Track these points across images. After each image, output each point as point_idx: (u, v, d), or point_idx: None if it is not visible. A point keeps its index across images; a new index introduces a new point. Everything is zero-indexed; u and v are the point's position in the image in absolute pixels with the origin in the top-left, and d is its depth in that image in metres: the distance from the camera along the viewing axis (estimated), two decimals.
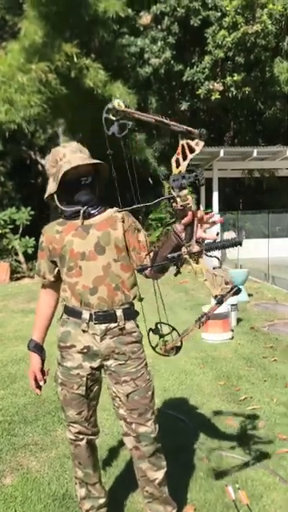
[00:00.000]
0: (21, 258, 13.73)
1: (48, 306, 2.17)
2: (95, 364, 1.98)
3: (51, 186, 1.95)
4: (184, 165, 1.47)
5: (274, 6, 13.31)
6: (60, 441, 3.14)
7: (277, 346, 5.26)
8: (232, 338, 5.54)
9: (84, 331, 1.95)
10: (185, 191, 1.46)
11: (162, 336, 1.67)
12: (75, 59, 11.35)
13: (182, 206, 1.46)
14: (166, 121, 1.44)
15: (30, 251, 13.79)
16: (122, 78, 12.78)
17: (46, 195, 1.99)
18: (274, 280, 10.14)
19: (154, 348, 1.74)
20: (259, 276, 10.55)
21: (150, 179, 14.27)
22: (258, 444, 3.02)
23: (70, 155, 1.94)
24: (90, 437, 2.10)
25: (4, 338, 5.95)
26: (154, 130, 15.51)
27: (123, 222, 1.99)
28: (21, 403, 3.78)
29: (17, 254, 13.78)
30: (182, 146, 1.47)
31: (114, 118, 1.44)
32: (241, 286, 7.88)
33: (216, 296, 1.48)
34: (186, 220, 1.51)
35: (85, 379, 1.99)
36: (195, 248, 1.49)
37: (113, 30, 13.34)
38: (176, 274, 1.62)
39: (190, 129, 1.44)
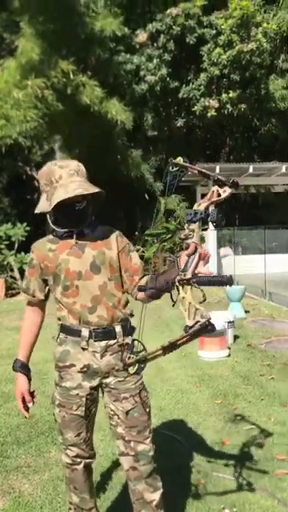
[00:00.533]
0: (16, 274, 13.64)
1: (34, 324, 2.14)
2: (94, 383, 1.95)
3: (44, 205, 1.90)
4: (204, 205, 1.59)
5: (269, 24, 13.52)
6: (53, 463, 3.07)
7: (274, 363, 5.21)
8: (229, 355, 5.49)
9: (84, 349, 1.92)
10: (194, 225, 1.54)
11: (133, 353, 1.61)
12: (71, 76, 11.44)
13: (184, 235, 1.54)
14: (207, 172, 1.68)
15: (25, 267, 13.72)
16: (118, 94, 12.87)
17: (37, 211, 1.95)
18: (270, 296, 10.10)
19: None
20: (256, 292, 10.51)
21: (146, 195, 14.30)
22: (256, 465, 2.96)
23: (66, 179, 1.86)
24: (88, 460, 2.04)
25: None
26: (150, 146, 15.62)
27: (117, 242, 1.99)
28: (14, 423, 3.71)
29: (12, 270, 13.70)
30: (213, 191, 1.61)
31: (172, 170, 1.64)
32: (237, 303, 7.87)
33: (187, 326, 1.44)
34: (188, 251, 1.55)
35: (84, 399, 1.95)
36: (187, 275, 1.51)
37: (109, 47, 13.48)
38: (174, 305, 1.63)
39: (223, 179, 1.60)
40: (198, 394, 4.26)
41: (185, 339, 1.47)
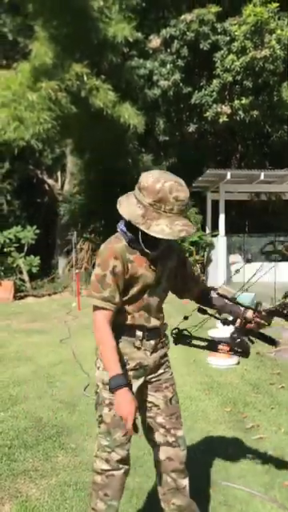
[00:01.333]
0: (25, 276, 13.70)
1: (113, 338, 1.93)
2: (140, 381, 2.03)
3: (134, 215, 1.79)
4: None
5: (283, 31, 13.48)
6: (61, 467, 3.04)
7: (284, 372, 5.15)
8: (238, 363, 5.44)
9: (138, 348, 2.00)
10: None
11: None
12: (85, 79, 11.47)
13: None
14: None
15: (34, 270, 13.77)
16: (130, 99, 12.89)
17: (123, 213, 1.83)
18: None
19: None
20: (266, 300, 10.42)
21: None
22: (265, 475, 2.91)
23: (175, 215, 1.77)
24: (128, 466, 2.03)
25: (5, 358, 5.86)
26: (161, 151, 15.62)
27: (179, 255, 2.10)
28: (21, 427, 3.69)
29: (21, 273, 13.75)
30: None
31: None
32: None
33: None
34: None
35: (134, 395, 1.94)
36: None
37: (122, 52, 13.52)
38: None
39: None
40: (206, 402, 4.22)
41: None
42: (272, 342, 2.17)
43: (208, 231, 15.08)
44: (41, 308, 10.99)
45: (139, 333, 1.99)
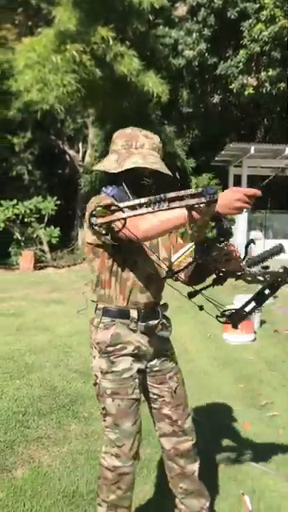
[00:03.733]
0: (45, 247, 13.78)
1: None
2: (142, 366, 1.91)
3: (111, 165, 1.80)
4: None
5: None
6: (73, 436, 3.08)
7: None
8: (254, 339, 5.40)
9: (133, 330, 1.87)
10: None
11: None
12: (111, 43, 11.21)
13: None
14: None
15: (54, 241, 13.82)
16: (154, 67, 12.61)
17: (97, 168, 1.85)
18: None
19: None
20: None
21: (177, 173, 14.10)
22: (277, 452, 2.90)
23: (147, 150, 1.80)
24: (139, 460, 1.93)
25: (23, 327, 5.93)
26: (184, 123, 15.36)
27: None
28: (36, 395, 3.73)
29: (41, 244, 13.83)
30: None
31: None
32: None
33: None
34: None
35: (137, 381, 1.89)
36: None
37: (148, 20, 13.17)
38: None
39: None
40: (221, 377, 4.21)
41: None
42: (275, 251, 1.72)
43: None
44: (60, 279, 11.07)
45: (134, 313, 1.86)
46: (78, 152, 16.88)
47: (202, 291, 1.82)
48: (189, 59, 14.12)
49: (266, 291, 1.70)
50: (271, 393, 3.86)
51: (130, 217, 1.33)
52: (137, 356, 1.88)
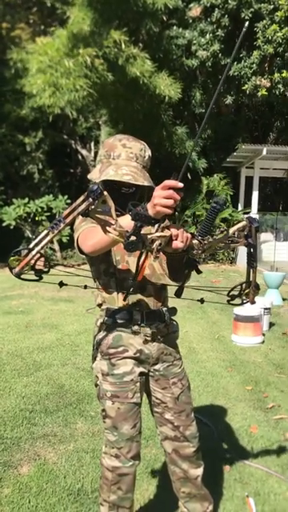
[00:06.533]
0: (55, 246, 13.83)
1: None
2: (144, 369, 1.89)
3: (95, 174, 1.81)
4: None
5: None
6: (79, 434, 3.09)
7: None
8: (263, 342, 5.38)
9: (136, 333, 1.85)
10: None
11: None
12: (123, 46, 11.23)
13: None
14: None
15: (64, 240, 13.85)
16: (167, 69, 12.60)
17: (88, 176, 1.87)
18: None
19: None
20: None
21: (188, 174, 14.08)
22: (283, 455, 2.89)
23: (122, 160, 1.77)
24: (138, 461, 1.92)
25: (32, 325, 5.96)
26: (196, 124, 15.32)
27: None
28: (43, 392, 3.76)
29: (52, 242, 13.87)
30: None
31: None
32: (275, 290, 7.69)
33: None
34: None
35: (138, 385, 1.87)
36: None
37: (161, 20, 13.16)
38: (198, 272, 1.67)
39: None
40: (228, 379, 4.20)
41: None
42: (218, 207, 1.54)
43: (240, 208, 14.84)
44: (69, 279, 11.10)
45: (137, 315, 1.83)
46: (90, 151, 16.93)
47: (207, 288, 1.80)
48: (202, 60, 14.06)
49: (252, 249, 1.60)
50: (278, 396, 3.84)
51: (39, 251, 1.50)
52: (139, 359, 1.87)
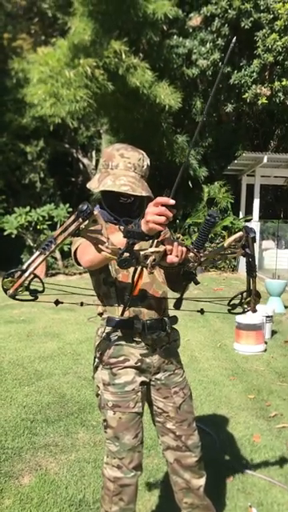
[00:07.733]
0: (57, 254, 13.83)
1: None
2: (146, 379, 1.88)
3: (94, 183, 1.81)
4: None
5: None
6: (81, 444, 3.08)
7: None
8: (265, 350, 5.36)
9: (137, 342, 1.84)
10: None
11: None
12: (123, 56, 11.31)
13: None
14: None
15: (66, 248, 13.84)
16: (168, 78, 12.68)
17: (87, 185, 1.87)
18: None
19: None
20: None
21: (189, 182, 14.10)
22: (286, 464, 2.86)
23: (120, 170, 1.76)
24: (140, 472, 1.89)
25: (33, 334, 5.95)
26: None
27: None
28: (44, 402, 3.74)
29: (53, 251, 13.87)
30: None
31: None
32: (277, 298, 7.67)
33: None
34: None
35: (140, 394, 1.86)
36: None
37: (162, 30, 13.26)
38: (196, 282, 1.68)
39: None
40: (230, 387, 4.18)
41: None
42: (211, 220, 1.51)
43: (241, 216, 14.84)
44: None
45: (138, 324, 1.81)
46: (91, 160, 16.99)
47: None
48: (202, 69, 14.15)
49: (250, 259, 1.61)
50: (281, 404, 3.82)
51: (32, 272, 1.46)
52: (140, 369, 1.85)
